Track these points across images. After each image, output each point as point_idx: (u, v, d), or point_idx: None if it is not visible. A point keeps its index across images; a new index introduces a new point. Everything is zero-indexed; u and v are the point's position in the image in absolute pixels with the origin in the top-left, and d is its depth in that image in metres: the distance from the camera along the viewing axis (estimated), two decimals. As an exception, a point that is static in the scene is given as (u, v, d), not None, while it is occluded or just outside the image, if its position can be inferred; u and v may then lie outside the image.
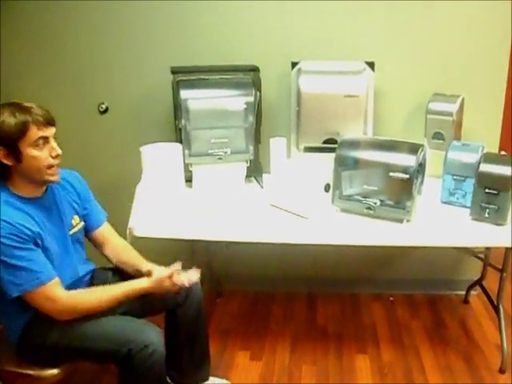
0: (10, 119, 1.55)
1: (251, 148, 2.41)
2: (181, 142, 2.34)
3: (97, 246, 1.94)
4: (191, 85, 2.36)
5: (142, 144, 2.23)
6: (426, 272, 2.85)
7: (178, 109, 2.34)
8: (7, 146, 1.55)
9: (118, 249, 1.92)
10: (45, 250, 1.62)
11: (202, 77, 2.39)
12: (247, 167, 2.44)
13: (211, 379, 2.11)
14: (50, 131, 1.62)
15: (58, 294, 1.59)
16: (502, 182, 1.95)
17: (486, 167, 1.98)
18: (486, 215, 1.99)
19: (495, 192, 1.96)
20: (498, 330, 2.32)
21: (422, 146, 2.01)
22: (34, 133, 1.57)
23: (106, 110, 2.70)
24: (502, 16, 2.37)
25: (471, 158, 2.11)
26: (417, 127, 2.43)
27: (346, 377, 2.25)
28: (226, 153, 2.37)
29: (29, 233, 1.56)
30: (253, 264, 2.86)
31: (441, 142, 2.35)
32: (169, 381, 2.05)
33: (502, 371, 2.24)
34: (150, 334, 1.64)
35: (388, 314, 2.71)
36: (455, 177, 2.15)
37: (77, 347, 1.64)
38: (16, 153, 1.56)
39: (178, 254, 2.64)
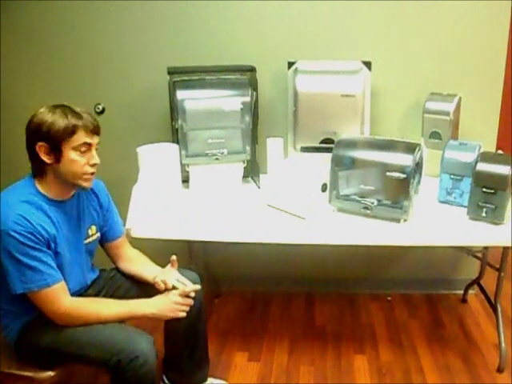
0: (62, 119, 1.58)
1: (248, 148, 2.40)
2: (177, 142, 2.34)
3: (111, 257, 1.95)
4: (188, 85, 2.35)
5: (139, 145, 2.22)
6: (424, 271, 2.85)
7: (174, 109, 2.34)
8: (51, 143, 1.57)
9: (131, 262, 1.94)
10: (56, 254, 1.62)
11: (199, 77, 2.38)
12: (244, 167, 2.44)
13: (209, 380, 2.10)
14: (95, 140, 1.65)
15: (62, 298, 1.59)
16: (499, 181, 1.95)
17: (483, 166, 1.98)
18: (484, 214, 1.98)
19: (492, 191, 1.95)
20: (496, 329, 2.31)
21: (418, 145, 2.00)
22: (81, 137, 1.60)
23: (103, 110, 2.69)
24: (500, 14, 2.38)
25: (468, 157, 2.11)
26: (414, 126, 2.43)
27: (345, 377, 2.24)
28: (222, 153, 2.37)
29: (45, 234, 1.56)
30: (250, 264, 2.86)
31: (438, 141, 2.35)
32: (167, 382, 2.06)
33: (500, 370, 2.24)
34: (141, 344, 1.60)
35: (386, 313, 2.71)
36: (452, 176, 2.15)
37: (68, 352, 1.64)
38: (57, 152, 1.58)
39: (175, 254, 2.66)
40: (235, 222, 2.08)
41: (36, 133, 1.58)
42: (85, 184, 1.67)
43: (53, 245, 1.60)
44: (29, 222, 1.53)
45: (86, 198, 1.79)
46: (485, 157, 2.02)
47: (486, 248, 2.49)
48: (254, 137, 2.44)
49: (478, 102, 2.48)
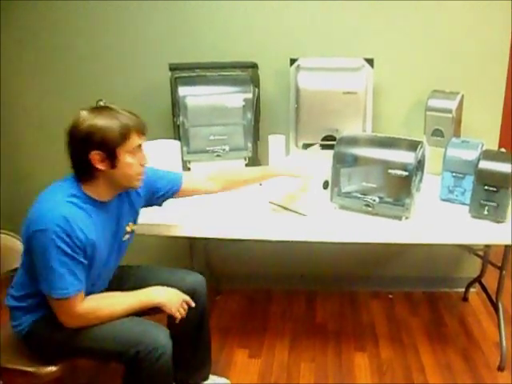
0: (115, 124, 1.53)
1: (250, 145, 2.40)
2: (179, 138, 2.34)
3: (195, 194, 1.99)
4: (189, 82, 2.35)
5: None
6: (425, 269, 2.85)
7: (176, 106, 2.33)
8: (106, 150, 1.53)
9: (212, 185, 1.97)
10: (93, 258, 1.61)
11: (201, 73, 2.38)
12: (246, 164, 2.43)
13: (211, 377, 2.10)
14: (144, 139, 1.63)
15: (76, 307, 1.57)
16: (501, 179, 1.94)
17: (485, 164, 1.97)
18: (486, 212, 1.98)
19: (495, 189, 1.95)
20: (497, 327, 2.31)
21: (421, 142, 2.00)
22: (134, 140, 1.57)
23: (104, 107, 2.68)
24: (502, 13, 2.37)
25: (471, 155, 2.11)
26: (416, 124, 2.42)
27: (345, 375, 2.24)
28: (224, 150, 2.37)
29: (83, 239, 1.54)
30: (251, 262, 2.86)
31: (440, 138, 2.34)
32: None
33: (500, 369, 2.24)
34: (159, 337, 1.63)
35: (387, 311, 2.71)
36: (454, 174, 2.14)
37: (84, 346, 1.64)
38: (113, 158, 1.55)
39: (176, 251, 2.66)
40: (236, 219, 2.08)
41: (88, 141, 1.52)
42: (137, 184, 1.66)
43: (90, 249, 1.58)
44: (70, 224, 1.50)
45: (127, 194, 1.76)
46: (487, 155, 2.02)
47: (487, 246, 2.49)
48: (255, 134, 2.43)
49: (480, 100, 2.47)
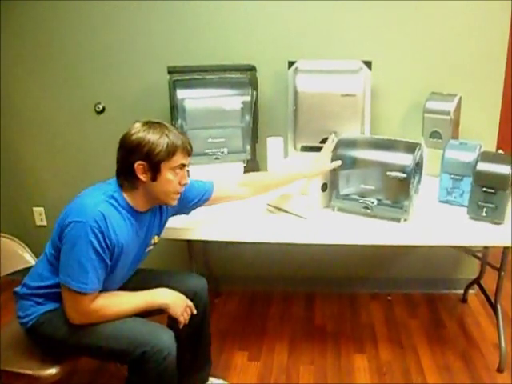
0: (164, 140, 1.61)
1: (248, 148, 2.40)
2: (178, 141, 2.34)
3: (229, 200, 2.04)
4: (188, 84, 2.35)
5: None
6: (424, 271, 2.85)
7: (174, 108, 2.33)
8: (151, 163, 1.60)
9: (244, 191, 2.00)
10: (117, 261, 1.64)
11: (199, 76, 2.38)
12: (244, 167, 2.44)
13: (210, 380, 2.10)
14: (188, 161, 1.70)
15: (87, 305, 1.59)
16: (499, 180, 1.94)
17: (483, 166, 1.98)
18: (484, 214, 1.98)
19: (493, 191, 1.95)
20: (496, 328, 2.31)
21: (419, 144, 2.00)
22: (179, 158, 1.65)
23: (103, 110, 2.69)
24: (500, 14, 2.37)
25: (468, 156, 2.11)
26: (414, 126, 2.43)
27: (345, 377, 2.24)
28: (222, 152, 2.37)
29: (114, 240, 1.59)
30: (250, 264, 2.86)
31: (438, 140, 2.35)
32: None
33: (500, 370, 2.24)
34: (165, 338, 1.64)
35: (386, 313, 2.71)
36: (452, 176, 2.14)
37: (89, 344, 1.64)
38: (155, 171, 1.62)
39: (175, 254, 2.66)
40: (235, 222, 2.08)
41: (136, 151, 1.59)
42: (172, 202, 1.72)
43: (117, 252, 1.62)
44: (106, 223, 1.56)
45: (159, 208, 1.81)
46: (485, 156, 2.02)
47: (486, 248, 2.49)
48: (254, 136, 2.43)
49: (478, 102, 2.47)
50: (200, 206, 1.95)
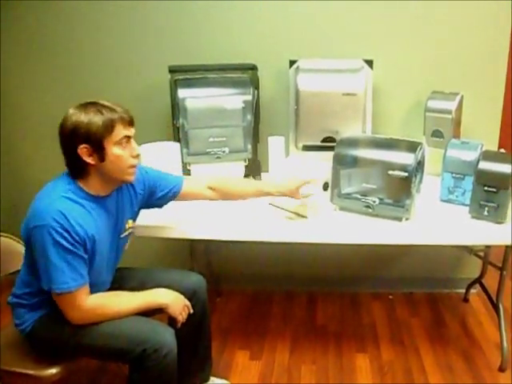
0: (97, 117, 1.55)
1: (249, 147, 2.40)
2: (179, 141, 2.34)
3: (196, 198, 2.01)
4: (189, 84, 2.35)
5: (140, 143, 2.20)
6: (426, 270, 2.85)
7: (175, 108, 2.33)
8: (93, 144, 1.55)
9: (210, 194, 1.98)
10: (94, 253, 1.62)
11: (200, 76, 2.38)
12: (245, 166, 2.44)
13: (211, 379, 2.10)
14: (132, 131, 1.64)
15: (82, 302, 1.59)
16: (501, 179, 1.94)
17: (485, 165, 1.98)
18: (486, 213, 1.98)
19: (494, 190, 1.95)
20: (497, 328, 2.31)
21: (420, 144, 2.00)
22: (120, 131, 1.58)
23: (104, 109, 2.68)
24: (501, 13, 2.37)
25: (470, 155, 2.11)
26: (415, 125, 2.43)
27: (346, 376, 2.24)
28: (224, 152, 2.37)
29: (82, 233, 1.55)
30: (252, 263, 2.85)
31: (440, 139, 2.35)
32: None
33: (501, 370, 2.24)
34: (165, 336, 1.64)
35: (388, 312, 2.71)
36: (454, 175, 2.14)
37: (89, 344, 1.64)
38: (100, 151, 1.57)
39: (176, 253, 2.66)
40: (237, 221, 2.08)
41: (74, 136, 1.55)
42: (130, 178, 1.67)
43: (90, 244, 1.59)
44: (67, 219, 1.52)
45: (126, 190, 1.78)
46: (487, 155, 2.02)
47: (487, 247, 2.49)
48: (255, 135, 2.43)
49: (479, 101, 2.47)
50: (171, 199, 1.92)
